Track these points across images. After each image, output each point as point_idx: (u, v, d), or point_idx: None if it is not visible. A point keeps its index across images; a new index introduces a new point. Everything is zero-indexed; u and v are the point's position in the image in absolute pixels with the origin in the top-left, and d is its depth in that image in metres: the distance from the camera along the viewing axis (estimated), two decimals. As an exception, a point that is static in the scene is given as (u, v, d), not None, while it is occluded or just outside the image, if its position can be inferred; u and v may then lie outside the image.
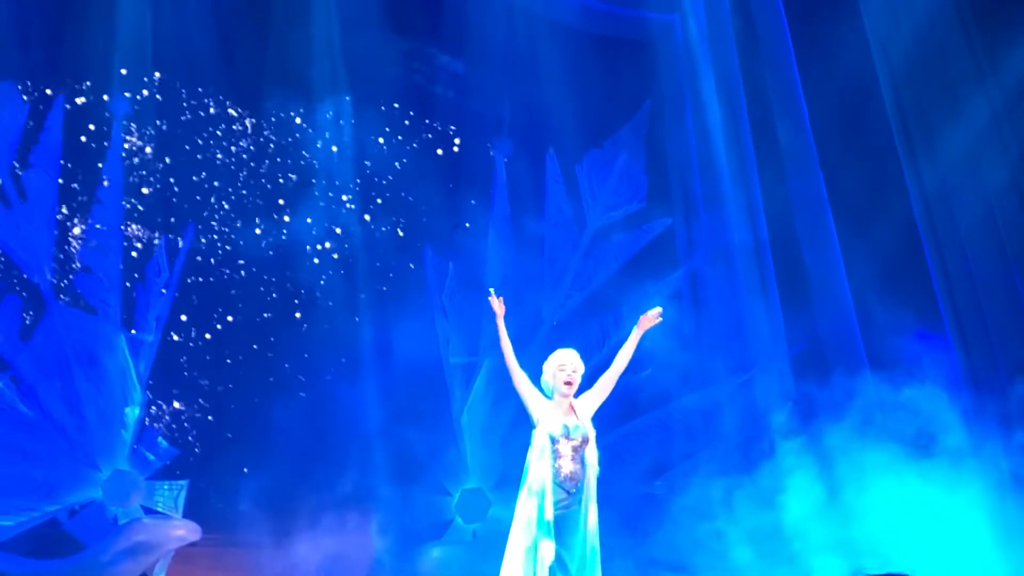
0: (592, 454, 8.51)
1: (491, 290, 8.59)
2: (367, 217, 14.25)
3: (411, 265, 14.12)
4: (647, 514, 11.51)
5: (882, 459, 10.43)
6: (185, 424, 13.56)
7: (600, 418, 8.93)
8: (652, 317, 8.53)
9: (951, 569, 9.45)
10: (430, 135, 14.49)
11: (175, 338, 13.58)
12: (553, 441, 8.45)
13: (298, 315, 14.01)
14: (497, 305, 8.49)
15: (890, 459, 10.41)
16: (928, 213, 12.56)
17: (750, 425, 12.12)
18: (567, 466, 8.47)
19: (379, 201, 14.35)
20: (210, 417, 13.65)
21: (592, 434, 8.54)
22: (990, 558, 10.04)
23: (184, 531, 12.55)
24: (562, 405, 8.58)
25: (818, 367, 12.30)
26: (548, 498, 8.35)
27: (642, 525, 11.39)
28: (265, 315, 13.87)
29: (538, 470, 8.44)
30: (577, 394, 8.59)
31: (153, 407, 13.18)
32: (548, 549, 8.32)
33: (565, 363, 8.59)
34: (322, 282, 14.09)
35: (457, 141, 14.51)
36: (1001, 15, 12.29)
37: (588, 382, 8.46)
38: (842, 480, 10.59)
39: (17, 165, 12.94)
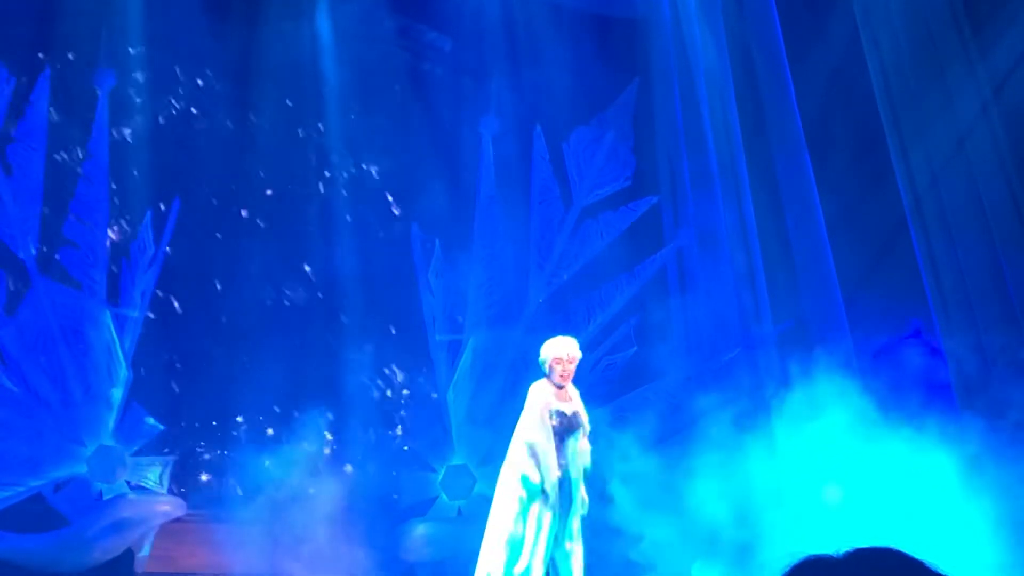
0: (584, 443, 8.62)
1: None
2: (354, 194, 14.24)
3: (396, 242, 14.12)
4: (631, 492, 11.54)
5: (866, 434, 10.48)
6: (168, 400, 13.55)
7: (587, 397, 9.02)
8: None
9: (934, 541, 9.54)
10: (417, 112, 14.45)
11: (160, 310, 13.57)
12: (558, 420, 8.54)
13: (285, 292, 13.99)
14: None
15: (874, 435, 10.46)
16: (915, 196, 12.58)
17: (736, 402, 12.15)
18: (565, 442, 8.56)
19: (366, 177, 14.33)
20: (192, 394, 13.66)
21: (586, 422, 8.65)
22: (966, 532, 10.13)
23: (169, 507, 12.58)
24: (557, 391, 8.68)
25: (803, 345, 12.34)
26: (550, 473, 8.43)
27: (626, 503, 11.41)
28: (248, 294, 13.84)
29: (540, 443, 8.50)
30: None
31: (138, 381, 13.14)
32: (547, 519, 8.42)
33: (564, 357, 8.66)
34: (307, 261, 14.08)
35: (444, 118, 14.47)
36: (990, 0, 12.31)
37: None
38: (828, 454, 10.65)
39: (2, 139, 12.88)
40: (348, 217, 14.13)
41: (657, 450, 11.65)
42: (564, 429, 8.59)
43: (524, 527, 8.48)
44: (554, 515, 8.53)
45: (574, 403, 8.73)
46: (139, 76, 13.65)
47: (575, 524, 8.67)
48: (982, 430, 10.55)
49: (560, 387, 8.73)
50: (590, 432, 8.92)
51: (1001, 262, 12.08)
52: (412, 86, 14.62)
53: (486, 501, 9.21)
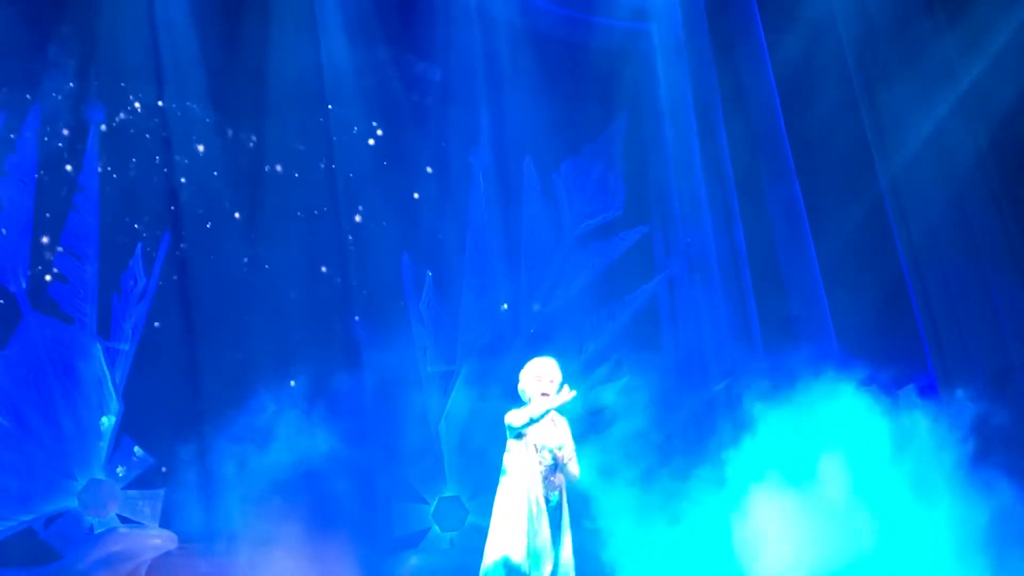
0: (573, 465, 8.55)
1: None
2: (345, 225, 14.24)
3: (388, 272, 14.11)
4: (632, 522, 11.52)
5: (860, 462, 10.50)
6: (159, 434, 13.51)
7: (577, 427, 8.96)
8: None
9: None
10: (407, 142, 14.48)
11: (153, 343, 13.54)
12: (540, 450, 8.46)
13: (277, 323, 13.97)
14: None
15: (866, 461, 10.47)
16: (904, 221, 12.63)
17: (727, 432, 12.15)
18: (551, 476, 8.49)
19: (358, 209, 14.34)
20: (183, 430, 13.63)
21: (571, 446, 8.56)
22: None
23: (160, 540, 12.52)
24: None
25: (794, 372, 12.34)
26: (540, 504, 8.36)
27: (623, 535, 11.39)
28: (243, 323, 13.82)
29: (530, 477, 8.42)
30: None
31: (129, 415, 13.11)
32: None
33: (542, 374, 8.55)
34: (299, 291, 14.06)
35: (434, 149, 14.51)
36: (972, 16, 12.40)
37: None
38: (820, 480, 10.65)
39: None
40: (341, 246, 14.13)
41: (648, 480, 11.64)
42: (553, 464, 8.51)
43: (526, 520, 8.35)
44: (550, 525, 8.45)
45: (558, 432, 8.62)
46: (129, 108, 13.67)
47: (566, 546, 8.56)
48: (975, 454, 10.57)
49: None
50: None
51: (990, 283, 12.12)
52: (402, 116, 14.64)
53: (479, 532, 9.18)
